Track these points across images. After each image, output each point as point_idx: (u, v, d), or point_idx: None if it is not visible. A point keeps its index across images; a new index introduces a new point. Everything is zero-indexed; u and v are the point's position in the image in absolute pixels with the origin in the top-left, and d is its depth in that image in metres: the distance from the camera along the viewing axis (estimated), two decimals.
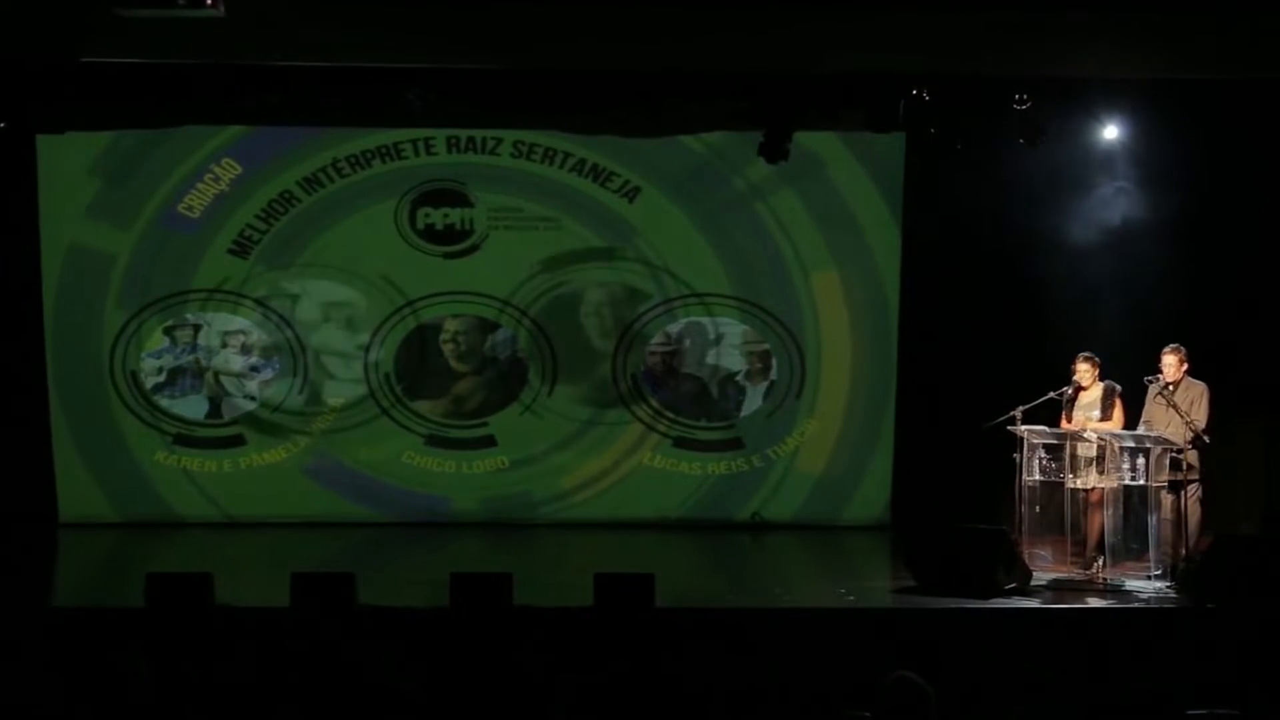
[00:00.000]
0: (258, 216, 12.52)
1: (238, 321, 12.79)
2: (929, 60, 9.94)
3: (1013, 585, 9.55)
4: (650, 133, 12.10)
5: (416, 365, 12.84)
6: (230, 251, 12.54)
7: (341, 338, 12.74)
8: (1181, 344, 10.27)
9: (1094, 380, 10.36)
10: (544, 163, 12.59)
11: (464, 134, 12.49)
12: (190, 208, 12.48)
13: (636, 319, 12.79)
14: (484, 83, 10.82)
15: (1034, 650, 8.55)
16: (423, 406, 12.86)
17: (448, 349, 12.91)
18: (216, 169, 12.45)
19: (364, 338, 12.73)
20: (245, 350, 12.83)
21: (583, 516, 12.65)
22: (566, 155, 12.56)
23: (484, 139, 12.52)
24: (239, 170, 12.47)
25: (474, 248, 12.67)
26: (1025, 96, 10.71)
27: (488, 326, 12.90)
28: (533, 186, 12.60)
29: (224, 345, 12.81)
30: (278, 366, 12.80)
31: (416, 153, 12.53)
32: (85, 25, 9.20)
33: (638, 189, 12.65)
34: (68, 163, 12.26)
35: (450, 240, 12.66)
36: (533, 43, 9.63)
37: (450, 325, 12.89)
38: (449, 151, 12.55)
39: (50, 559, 11.59)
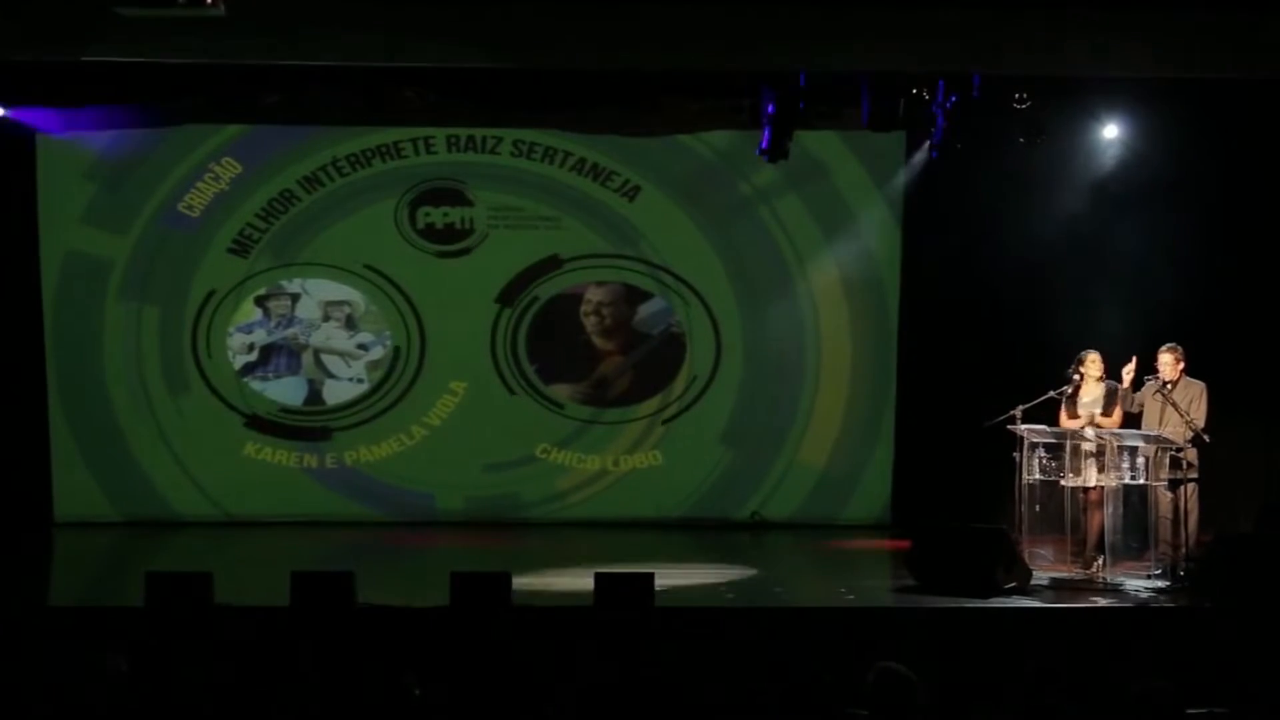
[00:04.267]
0: (258, 215, 12.55)
1: (342, 290, 12.69)
2: (929, 59, 9.95)
3: (1012, 584, 9.58)
4: (650, 132, 12.14)
5: (554, 343, 12.70)
6: (230, 250, 12.56)
7: (342, 337, 12.75)
8: (1181, 343, 10.29)
9: (1100, 377, 10.39)
10: (544, 162, 12.60)
11: (464, 133, 12.51)
12: (190, 207, 12.50)
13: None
14: (484, 82, 10.84)
15: (1034, 649, 8.60)
16: (560, 391, 12.79)
17: (590, 322, 12.83)
18: (216, 168, 12.47)
19: (364, 336, 12.72)
20: (350, 324, 12.71)
21: (576, 516, 12.71)
22: (567, 154, 12.59)
23: (484, 138, 12.54)
24: (239, 169, 12.48)
25: (474, 247, 12.68)
26: (1025, 96, 10.74)
27: (637, 296, 12.84)
28: (533, 186, 12.62)
29: (326, 318, 12.70)
30: (389, 343, 12.70)
31: (416, 152, 12.55)
32: (86, 24, 9.21)
33: (638, 188, 12.69)
34: (64, 166, 12.25)
35: (450, 239, 12.67)
36: (533, 42, 9.65)
37: (593, 295, 12.82)
38: (449, 150, 12.57)
39: (49, 558, 11.62)
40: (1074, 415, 10.33)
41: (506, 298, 12.70)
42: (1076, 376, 10.36)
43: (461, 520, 12.53)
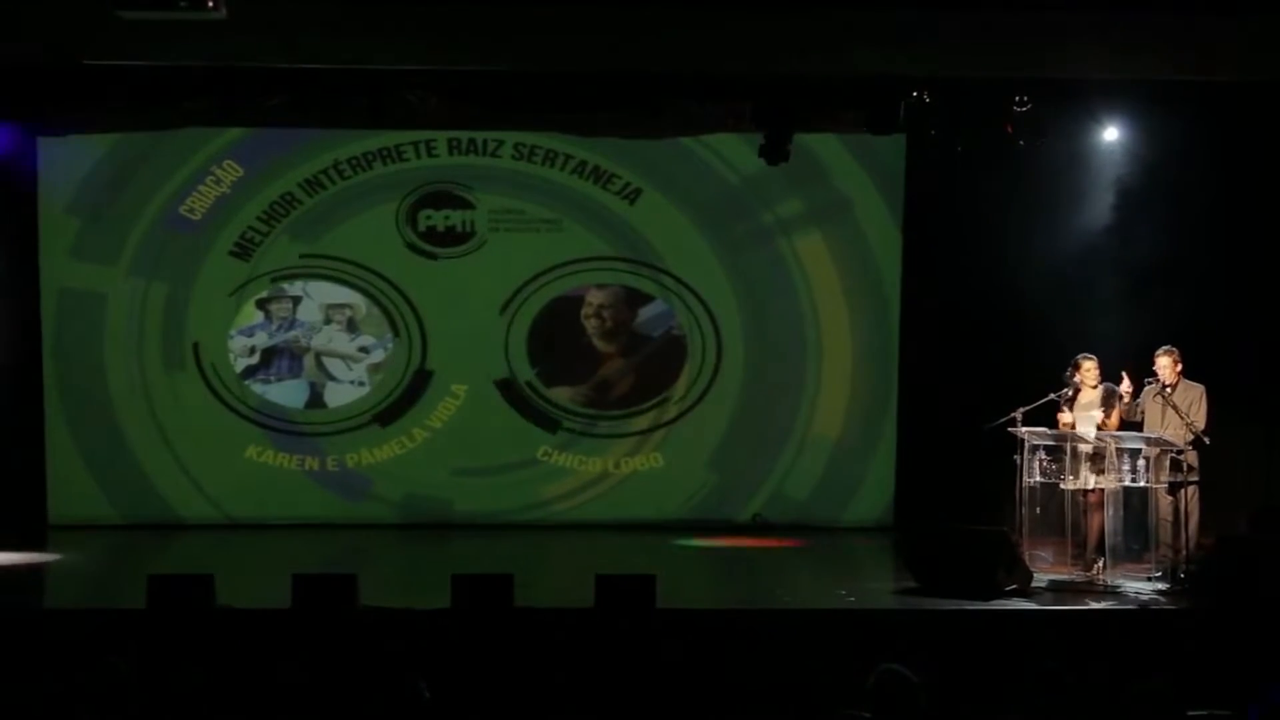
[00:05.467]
0: (259, 218, 12.58)
1: (343, 293, 12.70)
2: (929, 62, 9.97)
3: (1013, 586, 9.61)
4: (651, 134, 12.11)
5: (555, 345, 12.73)
6: (232, 253, 12.59)
7: (343, 340, 12.77)
8: (1181, 345, 10.31)
9: (1097, 381, 10.41)
10: (545, 165, 12.64)
11: (465, 136, 12.54)
12: (192, 209, 12.53)
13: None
14: (485, 85, 10.88)
15: (1034, 652, 8.61)
16: (562, 393, 12.81)
17: (591, 325, 12.84)
18: (218, 171, 12.50)
19: (366, 339, 12.74)
20: (352, 327, 12.71)
21: (577, 518, 12.74)
22: (567, 157, 12.62)
23: (485, 141, 12.58)
24: (240, 172, 12.52)
25: (475, 249, 12.70)
26: (1025, 98, 10.75)
27: (638, 299, 12.86)
28: (534, 188, 12.66)
29: (328, 320, 12.71)
30: (390, 346, 12.73)
31: (418, 155, 12.59)
32: (87, 28, 9.24)
33: (639, 191, 12.72)
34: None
35: (451, 242, 12.70)
36: (533, 46, 9.69)
37: (594, 297, 12.84)
38: (450, 153, 12.60)
39: (49, 561, 11.59)
40: (1072, 419, 10.36)
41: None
42: (1076, 379, 10.38)
43: (461, 523, 12.54)
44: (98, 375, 12.54)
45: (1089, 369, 10.39)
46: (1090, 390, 10.40)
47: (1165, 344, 10.33)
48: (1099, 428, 10.26)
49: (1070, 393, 10.38)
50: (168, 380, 12.63)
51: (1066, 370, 10.41)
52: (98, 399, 12.55)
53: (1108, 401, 10.37)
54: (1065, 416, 10.34)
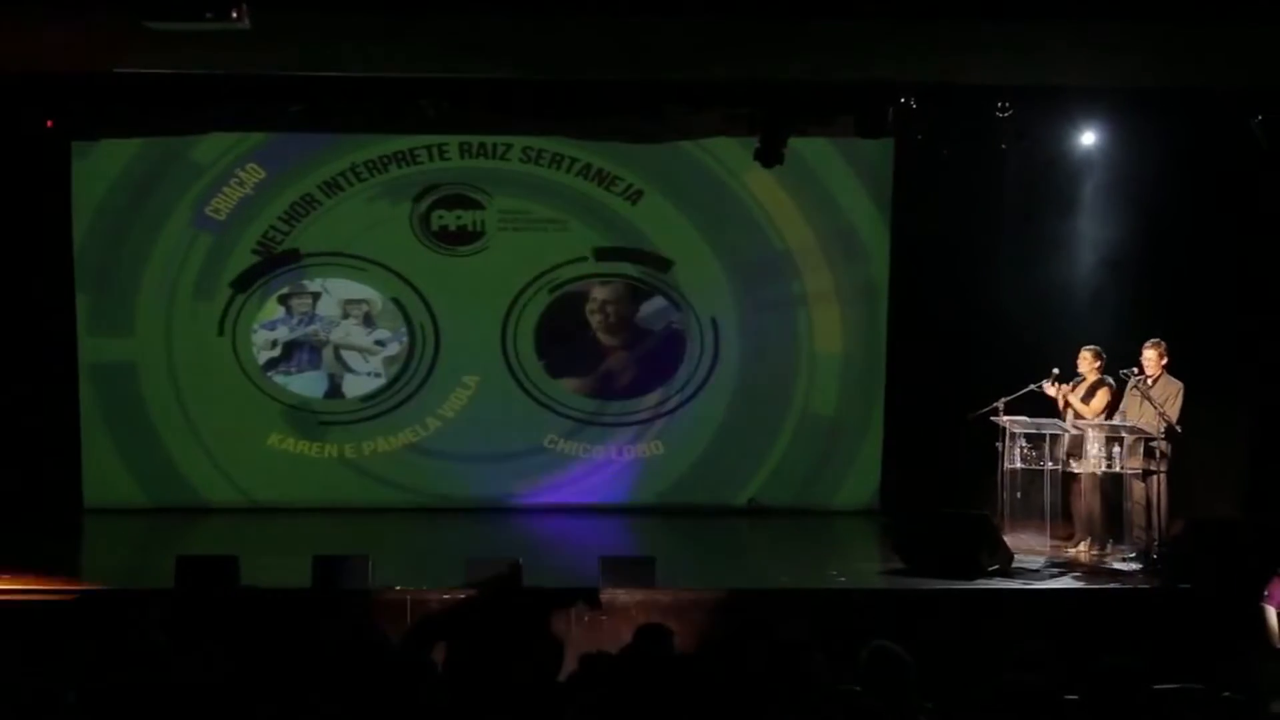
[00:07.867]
0: (280, 218, 12.82)
1: (360, 289, 12.97)
2: (916, 69, 10.18)
3: (995, 567, 9.88)
4: (653, 138, 12.34)
5: (561, 339, 12.99)
6: (254, 252, 12.82)
7: (360, 334, 13.05)
8: (1164, 339, 10.58)
9: (1095, 372, 10.71)
10: (551, 167, 12.83)
11: (476, 140, 12.74)
12: (217, 210, 12.76)
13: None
14: (495, 92, 11.04)
15: (1015, 629, 8.89)
16: (568, 384, 13.13)
17: (595, 320, 13.17)
18: (241, 173, 12.71)
19: (382, 333, 13.03)
20: (369, 321, 12.99)
21: (582, 503, 13.00)
22: (573, 160, 12.82)
23: (495, 145, 12.76)
24: (263, 175, 12.73)
25: (485, 248, 12.93)
26: (1008, 104, 10.91)
27: (640, 294, 13.22)
28: (541, 189, 12.85)
29: (345, 315, 12.98)
30: (405, 339, 13.01)
31: (431, 158, 12.79)
32: (118, 38, 9.51)
33: (640, 192, 12.93)
34: (93, 181, 12.57)
35: (463, 241, 12.92)
36: (541, 55, 9.88)
37: (598, 293, 13.14)
38: (462, 157, 12.79)
39: (81, 541, 11.97)
40: (1059, 393, 10.72)
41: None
42: (1079, 369, 10.73)
43: (474, 507, 12.74)
44: (128, 365, 12.78)
45: (1084, 357, 10.69)
46: (1089, 379, 10.72)
47: (1146, 337, 10.60)
48: (1078, 415, 10.61)
49: (1071, 386, 10.71)
50: (195, 372, 12.85)
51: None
52: (129, 389, 12.75)
53: (1092, 389, 10.69)
54: (1050, 389, 10.66)
